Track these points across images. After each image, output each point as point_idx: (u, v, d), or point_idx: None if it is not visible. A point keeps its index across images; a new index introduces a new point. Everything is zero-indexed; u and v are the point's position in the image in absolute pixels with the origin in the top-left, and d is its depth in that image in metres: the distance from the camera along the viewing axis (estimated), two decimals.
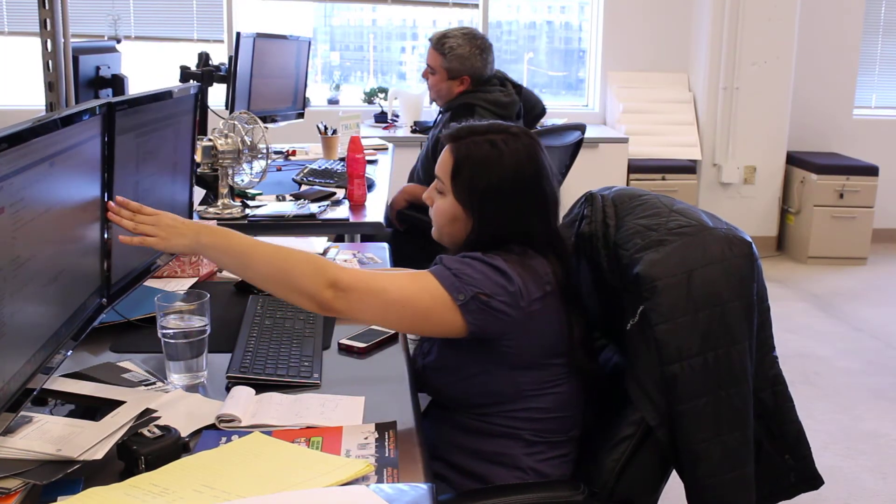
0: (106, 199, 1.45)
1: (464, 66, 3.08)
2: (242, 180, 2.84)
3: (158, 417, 1.25)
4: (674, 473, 1.54)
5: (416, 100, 5.19)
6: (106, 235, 1.47)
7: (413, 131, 4.99)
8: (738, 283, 1.43)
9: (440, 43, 3.12)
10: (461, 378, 1.52)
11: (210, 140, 2.58)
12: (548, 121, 5.36)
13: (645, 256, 1.45)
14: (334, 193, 2.91)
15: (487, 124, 1.58)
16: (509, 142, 1.52)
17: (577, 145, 3.27)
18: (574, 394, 1.57)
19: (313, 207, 2.70)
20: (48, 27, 2.05)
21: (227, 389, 1.42)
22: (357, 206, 2.83)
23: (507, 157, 1.51)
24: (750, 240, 1.48)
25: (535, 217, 1.53)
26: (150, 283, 1.83)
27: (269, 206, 2.74)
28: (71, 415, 1.31)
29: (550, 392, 1.54)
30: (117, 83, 2.91)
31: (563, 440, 1.57)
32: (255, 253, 1.47)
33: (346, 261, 2.20)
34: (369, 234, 2.73)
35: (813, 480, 1.58)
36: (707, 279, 1.42)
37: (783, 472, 1.55)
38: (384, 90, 5.64)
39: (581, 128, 3.29)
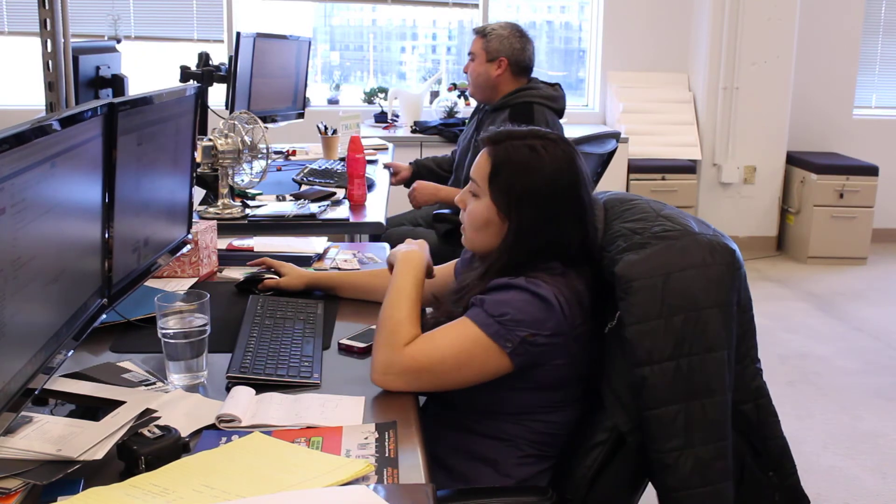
0: (107, 200, 1.45)
1: (502, 46, 3.10)
2: (242, 180, 2.84)
3: (158, 417, 1.25)
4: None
5: (416, 100, 5.20)
6: (107, 235, 1.47)
7: (413, 131, 4.99)
8: (716, 289, 1.40)
9: (482, 28, 3.19)
10: (487, 390, 1.48)
11: (210, 140, 2.58)
12: None
13: (624, 257, 1.43)
14: (334, 193, 2.92)
15: (527, 129, 1.56)
16: (549, 147, 1.51)
17: (612, 153, 3.27)
18: (580, 414, 1.56)
19: (313, 207, 2.70)
20: (48, 27, 2.05)
21: (227, 389, 1.42)
22: (357, 206, 2.83)
23: (548, 163, 1.50)
24: (735, 248, 1.45)
25: (571, 225, 1.51)
26: (150, 283, 1.83)
27: (269, 206, 2.74)
28: (71, 415, 1.31)
29: (564, 409, 1.54)
30: (117, 83, 2.92)
31: (552, 454, 1.56)
32: (389, 289, 1.55)
33: (345, 261, 2.21)
34: (369, 234, 2.73)
35: (799, 501, 1.52)
36: (684, 283, 1.39)
37: (767, 492, 1.50)
38: (384, 90, 5.64)
39: (616, 136, 3.29)
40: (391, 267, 1.63)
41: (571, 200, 1.51)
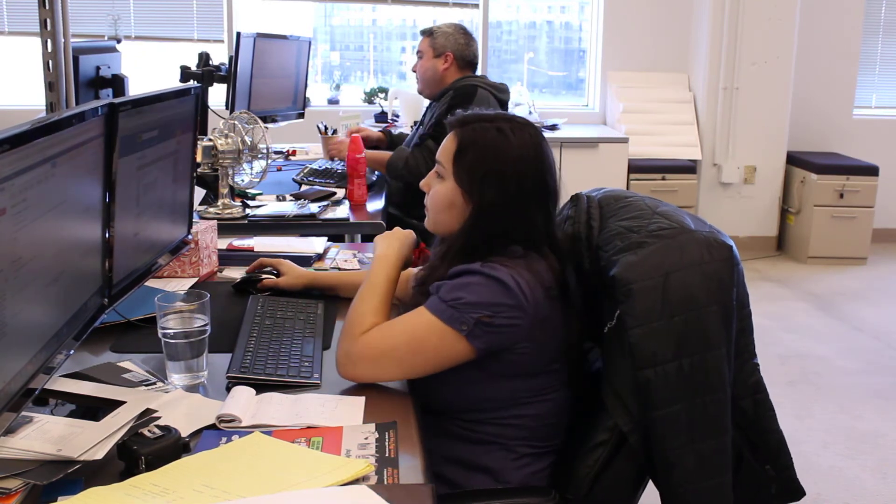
0: (108, 200, 1.46)
1: (448, 42, 3.23)
2: (242, 180, 2.84)
3: (159, 417, 1.25)
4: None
5: (416, 99, 5.18)
6: (107, 235, 1.47)
7: None
8: (716, 287, 1.40)
9: (429, 28, 3.32)
10: (457, 384, 1.48)
11: (210, 140, 2.58)
12: (548, 121, 5.38)
13: (622, 259, 1.43)
14: (334, 193, 2.92)
15: (494, 113, 1.56)
16: (516, 130, 1.51)
17: None
18: (565, 401, 1.56)
19: (313, 207, 2.70)
20: (48, 27, 2.05)
21: (228, 389, 1.42)
22: (357, 206, 2.83)
23: (514, 146, 1.49)
24: (731, 243, 1.44)
25: (534, 209, 1.50)
26: (150, 283, 1.83)
27: (269, 206, 2.74)
28: (71, 415, 1.31)
29: (545, 399, 1.53)
30: (117, 83, 2.91)
31: (548, 450, 1.55)
32: (363, 282, 1.58)
33: (345, 261, 2.21)
34: (369, 234, 2.74)
35: (795, 493, 1.54)
36: (684, 283, 1.39)
37: (764, 484, 1.51)
38: (384, 90, 5.64)
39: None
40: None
41: (536, 184, 1.50)
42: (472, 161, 1.50)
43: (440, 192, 1.54)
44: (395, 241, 1.63)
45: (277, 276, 1.93)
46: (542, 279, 1.46)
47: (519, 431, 1.52)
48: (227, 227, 2.49)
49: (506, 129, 1.51)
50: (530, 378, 1.51)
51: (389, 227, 2.77)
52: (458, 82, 3.16)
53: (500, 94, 3.17)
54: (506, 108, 3.25)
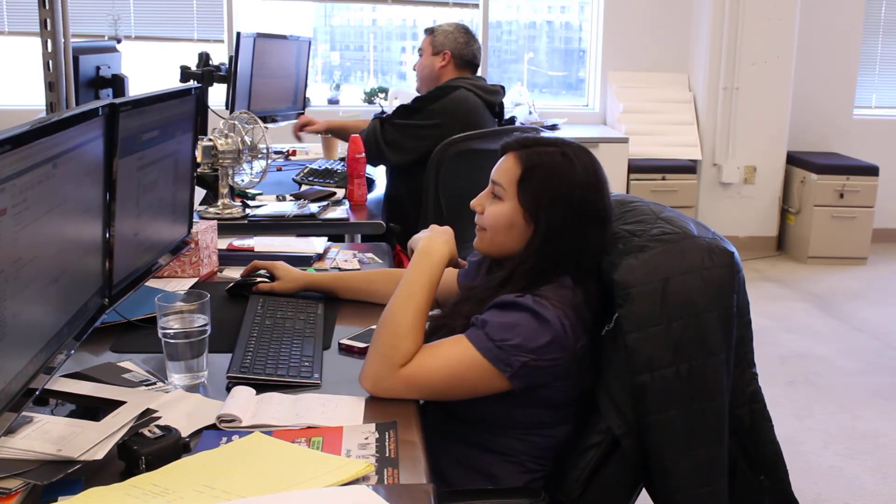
0: (108, 200, 1.46)
1: (447, 40, 3.19)
2: (242, 180, 2.84)
3: (159, 417, 1.25)
4: None
5: None
6: (108, 235, 1.47)
7: None
8: (716, 293, 1.40)
9: (431, 27, 3.29)
10: (492, 405, 1.47)
11: (210, 140, 2.58)
12: (548, 121, 5.38)
13: (623, 262, 1.43)
14: (334, 193, 2.92)
15: (553, 137, 1.56)
16: (579, 154, 1.51)
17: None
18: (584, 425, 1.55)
19: (313, 207, 2.70)
20: (48, 27, 2.05)
21: (228, 389, 1.42)
22: (357, 205, 2.83)
23: (579, 170, 1.49)
24: (733, 250, 1.44)
25: (594, 232, 1.50)
26: (150, 283, 1.83)
27: (269, 206, 2.74)
28: (72, 415, 1.31)
29: (567, 424, 1.53)
30: (117, 83, 2.91)
31: (549, 465, 1.54)
32: (401, 282, 1.51)
33: (346, 261, 2.21)
34: (369, 234, 2.74)
35: None
36: (683, 288, 1.39)
37: (758, 495, 1.50)
38: (384, 90, 5.64)
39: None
40: (412, 253, 1.58)
41: (598, 208, 1.50)
42: (539, 184, 1.49)
43: (500, 213, 1.52)
44: (438, 237, 1.55)
45: (272, 279, 1.90)
46: (584, 314, 1.46)
47: (534, 449, 1.52)
48: (227, 227, 2.49)
49: (569, 153, 1.51)
50: (562, 407, 1.51)
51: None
52: (450, 82, 3.13)
53: (488, 97, 3.12)
54: (501, 110, 3.21)
